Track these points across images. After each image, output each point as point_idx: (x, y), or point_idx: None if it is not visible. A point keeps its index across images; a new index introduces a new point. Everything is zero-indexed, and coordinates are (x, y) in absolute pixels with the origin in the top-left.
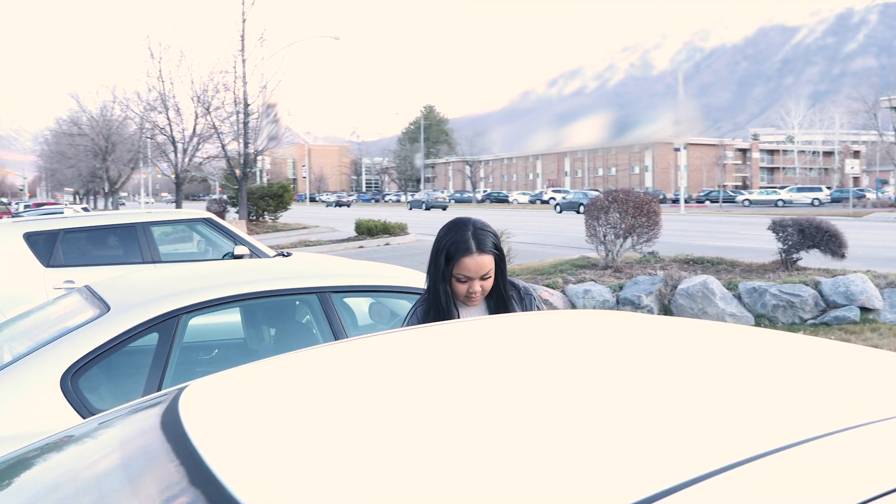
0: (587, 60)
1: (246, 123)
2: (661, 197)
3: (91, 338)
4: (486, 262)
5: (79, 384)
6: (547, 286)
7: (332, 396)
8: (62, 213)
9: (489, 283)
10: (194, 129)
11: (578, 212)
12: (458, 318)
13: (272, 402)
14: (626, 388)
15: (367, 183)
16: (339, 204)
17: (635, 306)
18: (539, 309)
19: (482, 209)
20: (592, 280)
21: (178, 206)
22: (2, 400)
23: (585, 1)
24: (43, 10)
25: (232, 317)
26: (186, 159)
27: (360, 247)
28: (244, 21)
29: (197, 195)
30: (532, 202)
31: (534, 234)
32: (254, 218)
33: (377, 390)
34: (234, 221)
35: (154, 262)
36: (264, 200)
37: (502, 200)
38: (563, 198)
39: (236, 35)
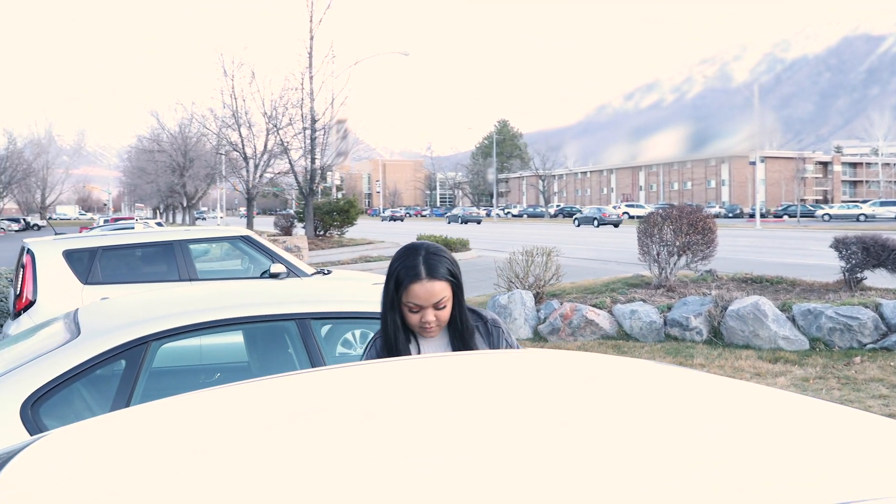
0: (664, 73)
1: (313, 139)
2: (738, 211)
3: (55, 365)
4: (438, 289)
5: (39, 412)
6: (594, 306)
7: (203, 457)
8: (132, 227)
9: (445, 314)
10: (265, 146)
11: (595, 226)
12: (415, 349)
13: (121, 466)
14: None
15: (441, 198)
16: (392, 218)
17: (683, 328)
18: (508, 343)
19: (553, 224)
20: (642, 300)
21: (249, 221)
22: None
23: (663, 14)
24: (127, 33)
25: (237, 339)
26: (257, 175)
27: None
28: (311, 38)
29: (273, 210)
30: None
31: (595, 249)
32: (321, 233)
33: (265, 451)
34: (299, 237)
35: (191, 280)
36: (330, 216)
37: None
38: (581, 212)
39: (304, 52)
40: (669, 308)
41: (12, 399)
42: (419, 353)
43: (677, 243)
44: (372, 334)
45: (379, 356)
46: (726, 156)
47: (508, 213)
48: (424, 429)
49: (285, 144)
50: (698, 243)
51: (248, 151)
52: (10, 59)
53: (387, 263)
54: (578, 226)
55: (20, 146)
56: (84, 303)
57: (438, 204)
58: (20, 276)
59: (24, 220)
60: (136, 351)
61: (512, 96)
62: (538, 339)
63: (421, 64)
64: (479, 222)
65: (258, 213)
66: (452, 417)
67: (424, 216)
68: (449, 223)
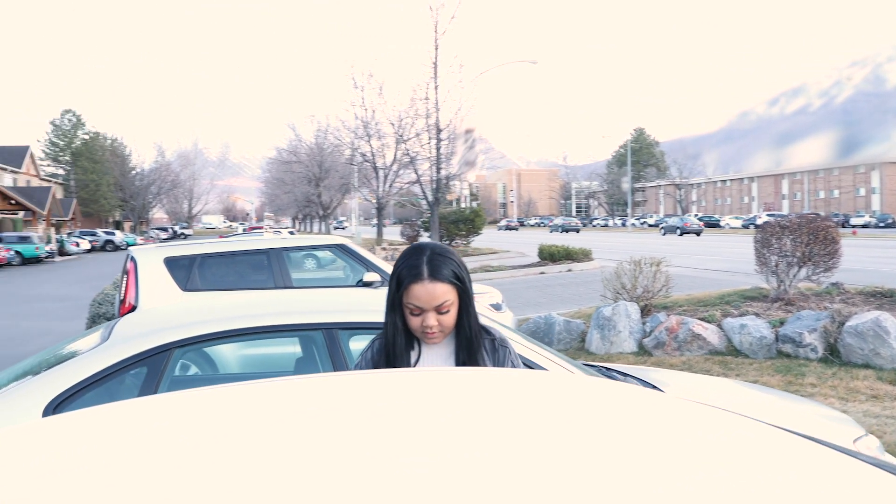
0: (811, 77)
1: (438, 149)
2: (889, 221)
3: (79, 370)
4: (441, 291)
5: None
6: (702, 319)
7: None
8: (262, 234)
9: (449, 319)
10: (395, 156)
11: (679, 235)
12: (415, 356)
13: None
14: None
15: (576, 207)
16: (508, 227)
17: (796, 344)
18: (513, 365)
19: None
20: (755, 314)
21: (379, 230)
22: None
23: (809, 18)
24: (266, 50)
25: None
26: (387, 186)
27: (542, 272)
28: (436, 49)
29: (409, 219)
30: (745, 227)
31: (722, 259)
32: (446, 242)
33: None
34: None
35: (286, 288)
36: (456, 225)
37: (713, 225)
38: (666, 222)
39: (429, 63)
40: (782, 323)
41: (37, 402)
42: (419, 359)
43: (797, 254)
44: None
45: (374, 358)
46: (878, 162)
47: (644, 222)
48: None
49: (412, 155)
50: (820, 254)
51: (378, 162)
52: (160, 77)
53: (508, 273)
54: (664, 234)
55: (169, 159)
56: None
57: (574, 213)
58: (124, 282)
59: (171, 229)
60: (158, 358)
61: (650, 104)
62: (642, 352)
63: (559, 71)
64: (577, 231)
65: (394, 223)
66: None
67: (585, 226)
68: (551, 232)
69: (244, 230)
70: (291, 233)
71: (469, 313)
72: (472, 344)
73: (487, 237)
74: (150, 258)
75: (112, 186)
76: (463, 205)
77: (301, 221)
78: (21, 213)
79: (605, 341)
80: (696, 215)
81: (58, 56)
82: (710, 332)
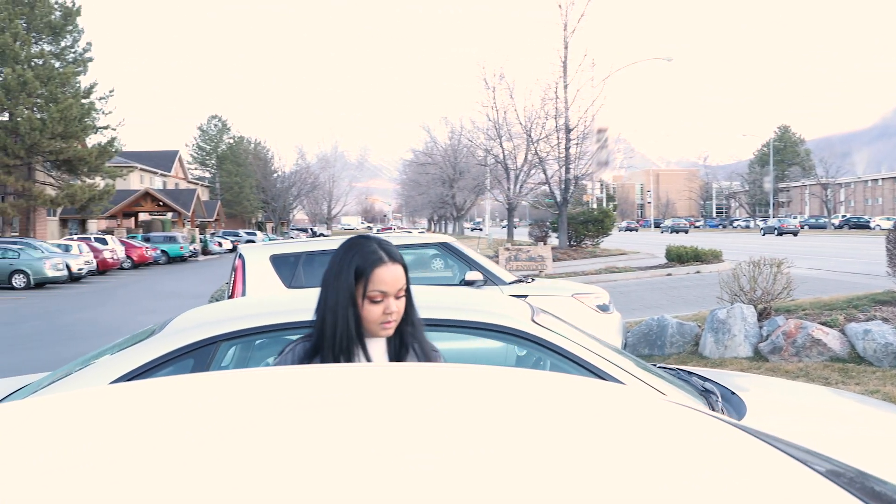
0: None
1: (567, 149)
2: None
3: (126, 362)
4: (400, 273)
5: None
6: (823, 324)
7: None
8: (391, 231)
9: (402, 306)
10: (525, 157)
11: (776, 235)
12: (363, 357)
13: None
14: None
15: (716, 208)
16: (628, 229)
17: None
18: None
19: (836, 235)
20: (884, 318)
21: (510, 231)
22: None
23: None
24: (400, 53)
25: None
26: (517, 186)
27: (668, 274)
28: (566, 48)
29: (544, 220)
30: None
31: (861, 261)
32: (574, 243)
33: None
34: (542, 246)
35: None
36: (585, 226)
37: (862, 226)
38: (766, 223)
39: (558, 62)
40: None
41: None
42: (367, 360)
43: None
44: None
45: (299, 364)
46: None
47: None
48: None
49: (540, 156)
50: None
51: (509, 163)
52: (302, 83)
53: (634, 274)
54: (763, 235)
55: (310, 162)
56: None
57: (714, 214)
58: (233, 278)
59: (311, 229)
60: (204, 351)
61: (795, 101)
62: (758, 358)
63: (698, 68)
64: (686, 231)
65: (530, 224)
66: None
67: (698, 227)
68: (662, 233)
69: (377, 231)
70: (421, 233)
71: (411, 302)
72: (418, 331)
73: (617, 238)
74: (257, 256)
75: (254, 188)
76: (594, 205)
77: (436, 223)
78: (169, 215)
79: (718, 345)
80: (843, 216)
81: (206, 65)
82: (830, 338)
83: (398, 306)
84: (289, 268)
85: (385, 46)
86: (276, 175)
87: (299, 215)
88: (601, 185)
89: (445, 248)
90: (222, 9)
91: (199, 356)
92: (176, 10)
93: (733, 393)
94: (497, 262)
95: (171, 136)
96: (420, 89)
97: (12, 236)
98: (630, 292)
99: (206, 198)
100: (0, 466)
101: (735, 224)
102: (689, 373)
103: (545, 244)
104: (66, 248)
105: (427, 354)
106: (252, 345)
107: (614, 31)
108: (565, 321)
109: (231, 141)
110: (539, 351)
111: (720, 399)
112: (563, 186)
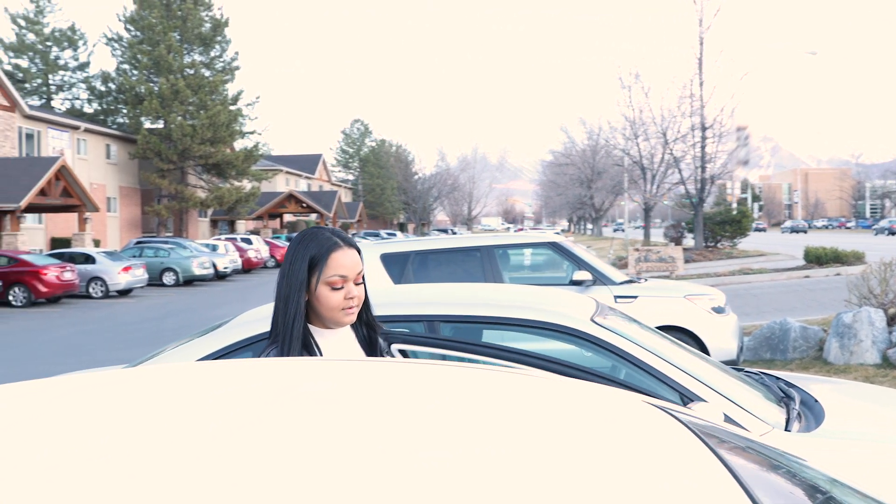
0: None
1: (703, 148)
2: None
3: (187, 352)
4: (358, 259)
5: None
6: None
7: None
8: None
9: (363, 291)
10: (662, 157)
11: (886, 235)
12: (314, 344)
13: None
14: None
15: (871, 208)
16: (756, 229)
17: None
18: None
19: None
20: None
21: (647, 232)
22: None
23: None
24: (536, 55)
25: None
26: (654, 186)
27: (806, 276)
28: (701, 44)
29: (683, 220)
30: None
31: None
32: (711, 244)
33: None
34: (674, 247)
35: None
36: (722, 226)
37: None
38: (877, 223)
39: (693, 58)
40: None
41: None
42: (318, 350)
43: None
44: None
45: None
46: None
47: None
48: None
49: (674, 155)
50: None
51: (646, 163)
52: (442, 86)
53: (769, 276)
54: (876, 235)
55: (450, 164)
56: None
57: (868, 215)
58: None
59: (451, 230)
60: (261, 345)
61: None
62: (886, 365)
63: (849, 62)
64: (805, 232)
65: (672, 224)
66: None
67: (849, 228)
68: (782, 233)
69: (514, 231)
70: (557, 234)
71: (366, 293)
72: (373, 326)
73: (757, 239)
74: (368, 254)
75: (395, 190)
76: (734, 205)
77: (575, 223)
78: (312, 216)
79: (843, 351)
80: None
81: (349, 71)
82: None
83: (359, 291)
84: (398, 266)
85: (524, 47)
86: (416, 177)
87: (440, 216)
88: (745, 184)
89: (554, 247)
90: (365, 16)
91: (255, 350)
92: (320, 19)
93: (816, 400)
94: (626, 264)
95: (316, 140)
96: (559, 89)
97: (166, 236)
98: (762, 294)
99: (348, 199)
100: (111, 424)
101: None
102: (776, 378)
103: (679, 245)
104: (213, 248)
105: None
106: None
107: (753, 26)
108: (640, 322)
109: (373, 144)
110: (597, 352)
111: (797, 404)
112: (698, 186)
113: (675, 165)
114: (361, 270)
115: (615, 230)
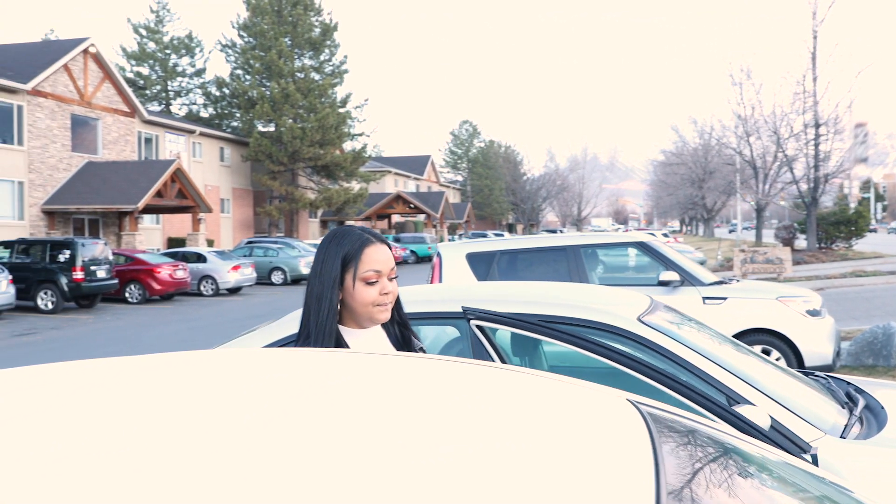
0: None
1: (816, 146)
2: None
3: (266, 336)
4: (391, 255)
5: None
6: None
7: None
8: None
9: (396, 287)
10: (775, 155)
11: None
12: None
13: None
14: None
15: None
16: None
17: None
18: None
19: None
20: None
21: (758, 232)
22: None
23: None
24: (645, 51)
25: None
26: (766, 186)
27: None
28: (815, 38)
29: (793, 221)
30: None
31: None
32: (824, 245)
33: None
34: (781, 248)
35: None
36: (836, 227)
37: None
38: None
39: (807, 53)
40: None
41: None
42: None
43: None
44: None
45: None
46: None
47: None
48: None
49: (786, 154)
50: None
51: (758, 162)
52: (551, 86)
53: (885, 279)
54: None
55: (559, 164)
56: None
57: None
58: (431, 274)
59: (560, 230)
60: None
61: None
62: None
63: None
64: None
65: (783, 226)
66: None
67: None
68: (888, 233)
69: (623, 231)
70: (665, 235)
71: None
72: (405, 321)
73: (875, 240)
74: (455, 253)
75: (504, 191)
76: (851, 205)
77: (687, 224)
78: (420, 217)
79: None
80: None
81: (458, 72)
82: None
83: (393, 287)
84: (484, 265)
85: (635, 45)
86: (525, 177)
87: (550, 217)
88: (868, 183)
89: (641, 247)
90: (472, 16)
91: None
92: (428, 21)
93: (882, 407)
94: (732, 265)
95: (426, 141)
96: (669, 87)
97: (277, 236)
98: (874, 298)
99: (456, 200)
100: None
101: None
102: (847, 383)
103: (790, 246)
104: None
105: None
106: None
107: (873, 16)
108: (703, 324)
109: (481, 145)
110: (643, 352)
111: (859, 409)
112: (811, 185)
113: (787, 164)
114: (394, 266)
115: (730, 231)
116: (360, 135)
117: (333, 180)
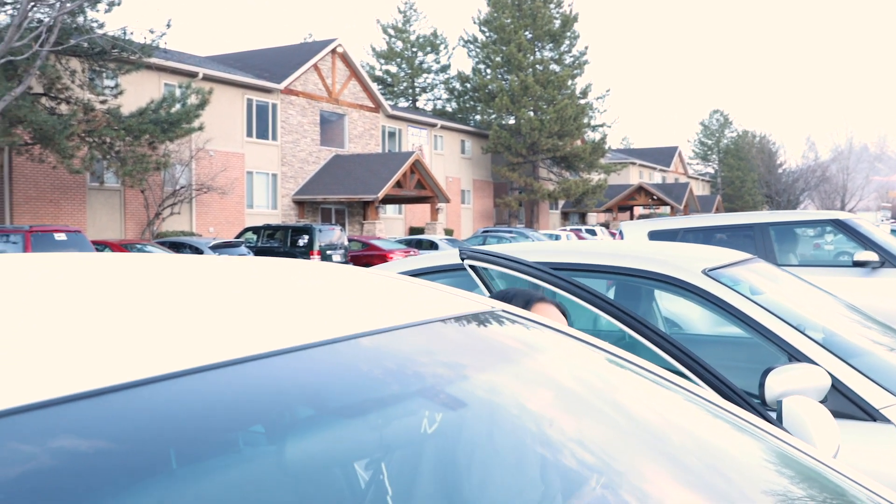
0: None
1: None
2: None
3: (403, 266)
4: (560, 316)
5: None
6: None
7: None
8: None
9: None
10: None
11: None
12: None
13: None
14: None
15: None
16: None
17: None
18: None
19: None
20: None
21: None
22: None
23: None
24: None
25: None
26: None
27: None
28: None
29: None
30: None
31: None
32: None
33: None
34: None
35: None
36: None
37: None
38: None
39: None
40: None
41: None
42: None
43: None
44: None
45: None
46: None
47: None
48: None
49: None
50: None
51: None
52: (811, 69)
53: None
54: None
55: (821, 155)
56: None
57: None
58: None
59: None
60: (440, 274)
61: None
62: None
63: None
64: None
65: None
66: None
67: None
68: None
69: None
70: None
71: None
72: None
73: None
74: (636, 231)
75: (757, 183)
76: None
77: None
78: (665, 209)
79: None
80: None
81: (707, 59)
82: None
83: None
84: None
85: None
86: (781, 169)
87: (810, 210)
88: None
89: (838, 225)
90: (720, 1)
91: (437, 276)
92: (674, 7)
93: None
94: None
95: (674, 132)
96: None
97: (517, 227)
98: None
99: (705, 192)
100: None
101: None
102: None
103: None
104: (556, 238)
105: None
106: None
107: None
108: (818, 287)
109: (733, 135)
110: (705, 306)
111: None
112: None
113: None
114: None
115: None
116: (601, 126)
117: (574, 171)
